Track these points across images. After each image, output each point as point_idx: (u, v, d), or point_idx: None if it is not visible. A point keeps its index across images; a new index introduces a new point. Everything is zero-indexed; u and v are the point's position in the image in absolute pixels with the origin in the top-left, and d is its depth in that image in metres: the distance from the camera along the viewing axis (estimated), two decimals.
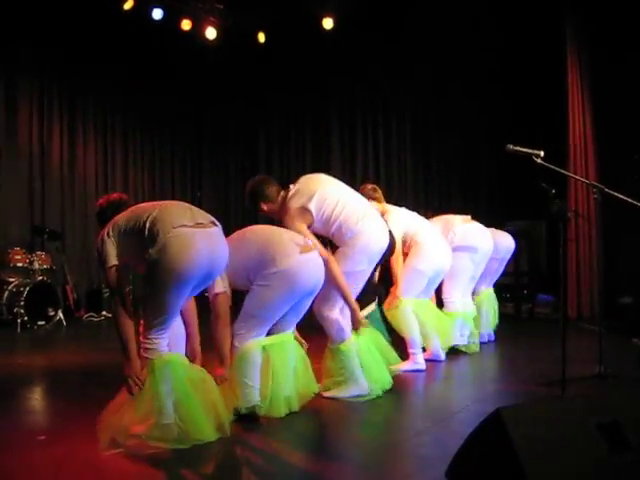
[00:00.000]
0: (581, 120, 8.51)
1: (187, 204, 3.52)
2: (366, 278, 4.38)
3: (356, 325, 4.23)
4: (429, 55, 9.49)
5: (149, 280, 3.24)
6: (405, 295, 5.33)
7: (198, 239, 3.24)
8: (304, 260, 3.77)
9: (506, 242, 6.75)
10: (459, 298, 5.93)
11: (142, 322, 3.36)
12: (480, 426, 2.16)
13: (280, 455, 3.29)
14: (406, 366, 5.20)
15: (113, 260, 3.35)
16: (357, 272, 4.24)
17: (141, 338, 3.30)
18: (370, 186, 5.57)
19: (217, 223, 3.45)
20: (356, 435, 3.74)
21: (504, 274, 7.06)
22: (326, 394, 4.23)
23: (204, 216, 3.43)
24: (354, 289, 4.27)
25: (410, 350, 5.27)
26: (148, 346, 3.27)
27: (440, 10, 8.98)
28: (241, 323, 3.75)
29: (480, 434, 2.16)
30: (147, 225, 3.26)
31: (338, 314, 4.22)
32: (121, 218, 3.42)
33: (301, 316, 4.02)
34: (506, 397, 4.30)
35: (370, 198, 5.16)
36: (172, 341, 3.42)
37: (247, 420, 3.64)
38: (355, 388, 4.21)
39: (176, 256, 3.16)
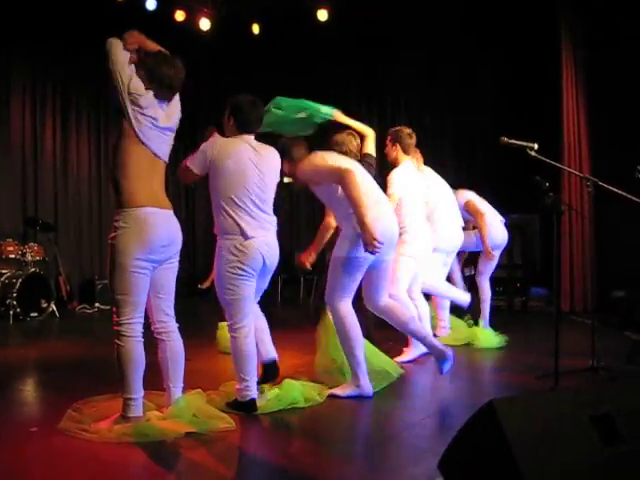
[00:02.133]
0: (575, 113, 8.52)
1: None
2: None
3: (368, 247, 3.80)
4: (423, 49, 9.47)
5: None
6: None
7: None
8: None
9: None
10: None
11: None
12: (473, 418, 2.16)
13: (274, 447, 3.29)
14: (409, 356, 5.24)
15: None
16: (360, 258, 4.02)
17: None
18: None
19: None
20: (350, 428, 3.75)
21: (499, 266, 7.02)
22: (330, 391, 4.09)
23: None
24: (357, 277, 4.11)
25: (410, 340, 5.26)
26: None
27: (433, 7, 8.96)
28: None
29: (473, 426, 2.16)
30: None
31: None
32: None
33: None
34: (499, 389, 4.32)
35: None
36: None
37: (243, 409, 3.67)
38: (356, 389, 4.08)
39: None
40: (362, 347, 4.11)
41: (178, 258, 3.50)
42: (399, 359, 5.14)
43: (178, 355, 3.50)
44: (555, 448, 2.05)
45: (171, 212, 3.43)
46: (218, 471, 2.96)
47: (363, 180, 4.07)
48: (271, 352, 4.00)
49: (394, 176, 5.22)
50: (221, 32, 9.80)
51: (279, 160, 3.97)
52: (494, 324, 6.35)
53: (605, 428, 2.15)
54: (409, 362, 5.17)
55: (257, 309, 4.04)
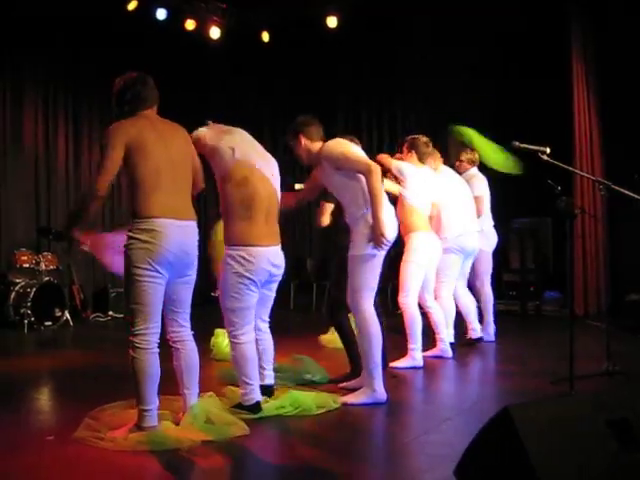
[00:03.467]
0: (587, 116, 8.49)
1: None
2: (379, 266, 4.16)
3: (376, 241, 3.92)
4: (433, 50, 9.47)
5: None
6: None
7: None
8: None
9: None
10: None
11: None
12: (488, 424, 2.15)
13: (287, 455, 3.29)
14: (403, 363, 5.20)
15: None
16: (377, 254, 4.05)
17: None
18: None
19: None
20: (365, 435, 3.73)
21: (512, 270, 7.03)
22: (342, 399, 4.07)
23: None
24: (377, 274, 4.13)
25: (409, 346, 5.25)
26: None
27: (444, 7, 8.96)
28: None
29: (489, 432, 2.15)
30: None
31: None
32: None
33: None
34: (513, 395, 4.29)
35: None
36: None
37: (247, 410, 3.70)
38: (370, 396, 4.05)
39: None
40: (380, 351, 4.09)
41: (194, 272, 3.47)
42: (397, 364, 5.14)
43: (192, 363, 3.51)
44: (572, 453, 2.04)
45: (189, 223, 3.39)
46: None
47: None
48: (268, 378, 4.07)
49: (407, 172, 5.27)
50: (231, 41, 9.84)
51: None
52: (507, 328, 6.33)
53: (622, 433, 2.14)
54: (404, 369, 5.14)
55: (266, 327, 4.08)
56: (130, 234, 3.25)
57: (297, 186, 4.47)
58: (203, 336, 5.46)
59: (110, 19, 8.87)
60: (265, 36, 9.93)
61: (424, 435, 3.46)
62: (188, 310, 3.53)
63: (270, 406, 3.81)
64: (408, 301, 5.29)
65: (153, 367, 3.27)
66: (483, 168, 6.54)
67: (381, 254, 4.07)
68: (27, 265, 8.06)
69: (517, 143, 4.25)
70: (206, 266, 5.08)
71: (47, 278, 8.02)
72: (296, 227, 11.16)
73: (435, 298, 5.76)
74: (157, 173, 3.28)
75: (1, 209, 8.64)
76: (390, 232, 4.02)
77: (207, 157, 3.88)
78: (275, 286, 4.04)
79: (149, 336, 3.27)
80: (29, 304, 7.61)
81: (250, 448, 3.30)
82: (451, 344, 5.77)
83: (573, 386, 4.06)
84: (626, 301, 7.23)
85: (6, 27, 8.40)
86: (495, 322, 6.64)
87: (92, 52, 9.34)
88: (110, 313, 8.80)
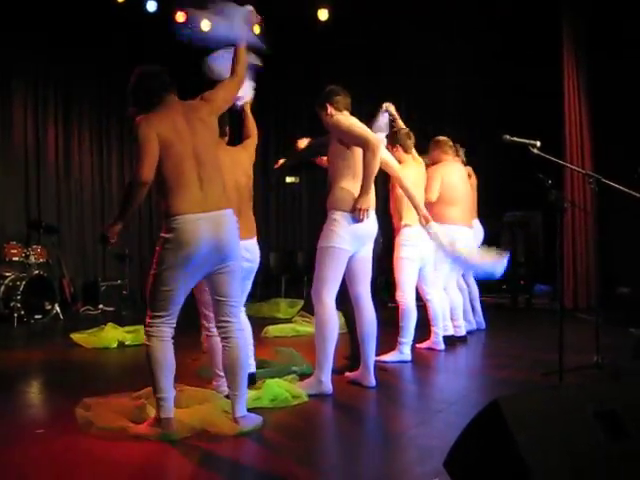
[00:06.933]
0: (577, 109, 8.51)
1: None
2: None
3: (358, 214, 4.06)
4: (424, 48, 9.46)
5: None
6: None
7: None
8: None
9: None
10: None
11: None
12: (478, 416, 2.16)
13: (273, 450, 3.28)
14: (390, 357, 5.20)
15: None
16: (344, 249, 4.12)
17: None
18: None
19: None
20: (355, 428, 3.74)
21: None
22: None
23: None
24: (342, 269, 4.17)
25: (399, 339, 5.24)
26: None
27: (435, 6, 8.96)
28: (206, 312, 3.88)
29: (478, 424, 2.16)
30: None
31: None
32: None
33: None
34: (504, 387, 4.31)
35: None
36: None
37: None
38: (317, 386, 4.16)
39: None
40: (334, 344, 4.16)
41: (236, 261, 3.36)
42: (385, 357, 5.15)
43: (235, 363, 3.38)
44: (561, 445, 2.05)
45: (220, 212, 3.27)
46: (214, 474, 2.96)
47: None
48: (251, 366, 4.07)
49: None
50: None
51: None
52: (498, 321, 6.36)
53: (610, 425, 2.15)
54: (391, 362, 5.14)
55: (245, 317, 4.03)
56: (161, 234, 3.22)
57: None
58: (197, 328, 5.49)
59: (99, 10, 8.80)
60: (256, 29, 9.86)
61: (415, 428, 3.48)
62: (235, 303, 3.41)
63: (249, 397, 3.80)
64: (404, 297, 5.30)
65: (165, 355, 3.26)
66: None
67: (349, 250, 4.11)
68: (17, 258, 8.02)
69: (507, 136, 4.26)
70: None
71: (37, 271, 7.99)
72: (287, 222, 11.19)
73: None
74: (180, 169, 3.20)
75: None
76: (369, 226, 4.14)
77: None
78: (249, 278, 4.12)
79: (163, 326, 3.26)
80: (19, 297, 7.58)
81: (229, 445, 3.27)
82: (449, 337, 5.79)
83: (563, 378, 4.09)
84: (616, 294, 7.27)
85: None
86: (485, 315, 6.72)
87: (81, 44, 9.25)
88: (100, 306, 8.78)
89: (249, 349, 3.93)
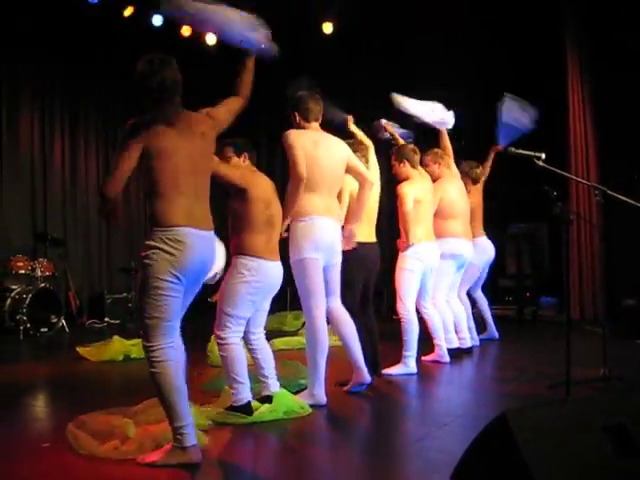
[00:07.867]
0: (582, 121, 8.52)
1: None
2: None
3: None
4: (429, 63, 9.49)
5: None
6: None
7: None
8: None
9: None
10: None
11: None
12: (486, 429, 2.15)
13: (280, 460, 3.28)
14: (396, 370, 5.19)
15: None
16: (306, 259, 4.09)
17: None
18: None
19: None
20: (360, 440, 3.73)
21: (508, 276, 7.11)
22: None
23: None
24: (311, 280, 4.11)
25: (404, 353, 5.24)
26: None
27: (437, 15, 8.98)
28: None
29: (486, 437, 2.15)
30: None
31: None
32: None
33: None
34: (510, 400, 4.29)
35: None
36: None
37: (240, 411, 3.72)
38: (310, 399, 4.16)
39: None
40: (324, 358, 4.16)
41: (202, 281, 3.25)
42: (391, 370, 5.15)
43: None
44: (568, 459, 2.04)
45: (209, 234, 3.15)
46: None
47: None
48: (273, 386, 4.04)
49: (406, 192, 5.27)
50: (228, 47, 9.83)
51: None
52: (504, 333, 6.33)
53: (619, 438, 2.14)
54: (397, 375, 5.14)
55: (262, 336, 4.07)
56: (152, 243, 2.98)
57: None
58: (201, 341, 5.49)
59: (106, 24, 8.86)
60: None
61: (421, 440, 3.46)
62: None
63: (265, 410, 3.80)
64: (405, 308, 5.29)
65: (178, 378, 3.01)
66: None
67: (318, 259, 4.08)
68: (23, 271, 8.04)
69: (513, 149, 4.27)
70: None
71: (43, 284, 8.00)
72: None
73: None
74: (177, 178, 3.05)
75: None
76: (327, 234, 4.14)
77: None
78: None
79: (167, 349, 3.01)
80: (25, 310, 7.59)
81: (237, 455, 3.29)
82: (453, 349, 5.78)
83: (570, 391, 4.07)
84: (622, 306, 7.24)
85: (1, 32, 8.39)
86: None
87: (87, 57, 9.32)
88: (106, 319, 8.79)
89: (270, 366, 4.01)
